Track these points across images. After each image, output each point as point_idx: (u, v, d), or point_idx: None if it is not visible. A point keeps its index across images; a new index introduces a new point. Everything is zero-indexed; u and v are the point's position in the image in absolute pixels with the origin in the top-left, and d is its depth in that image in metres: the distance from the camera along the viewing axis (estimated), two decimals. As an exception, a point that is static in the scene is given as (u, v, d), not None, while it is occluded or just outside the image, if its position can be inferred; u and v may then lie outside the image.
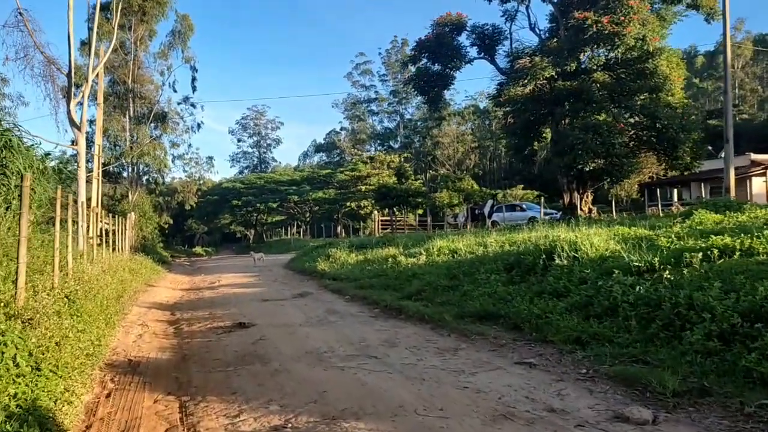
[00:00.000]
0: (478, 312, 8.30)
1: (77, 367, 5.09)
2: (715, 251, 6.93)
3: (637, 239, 9.17)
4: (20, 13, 16.52)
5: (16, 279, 5.72)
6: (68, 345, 5.31)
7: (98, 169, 21.41)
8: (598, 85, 21.27)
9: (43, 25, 33.65)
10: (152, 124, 40.05)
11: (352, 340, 7.56)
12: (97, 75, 21.05)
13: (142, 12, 36.57)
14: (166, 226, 48.98)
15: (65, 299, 6.90)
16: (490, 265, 10.52)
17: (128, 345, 7.63)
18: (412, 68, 27.24)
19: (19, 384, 4.16)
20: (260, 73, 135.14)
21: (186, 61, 41.85)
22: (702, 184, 28.87)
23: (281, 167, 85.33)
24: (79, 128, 17.27)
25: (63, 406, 4.36)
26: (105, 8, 28.89)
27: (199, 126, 47.97)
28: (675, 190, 32.04)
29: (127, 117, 37.93)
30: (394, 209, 44.58)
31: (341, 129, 79.58)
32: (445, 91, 28.31)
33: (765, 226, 8.24)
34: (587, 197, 22.91)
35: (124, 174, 39.60)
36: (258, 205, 59.25)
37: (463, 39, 25.15)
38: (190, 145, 51.73)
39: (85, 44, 29.07)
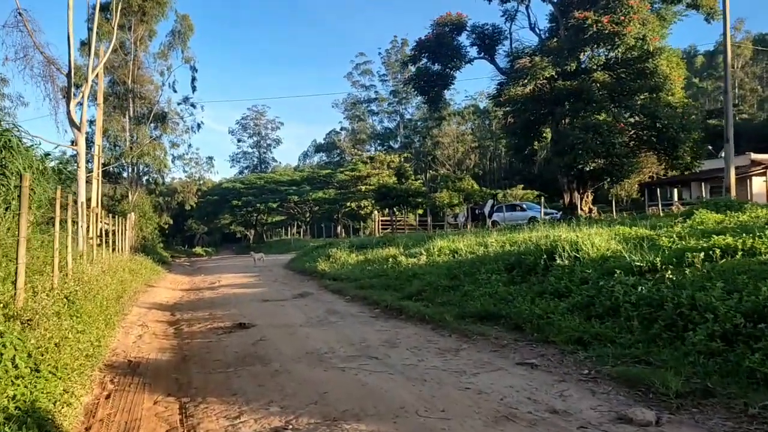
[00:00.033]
0: (479, 312, 8.26)
1: (77, 369, 5.06)
2: (717, 251, 6.90)
3: (638, 239, 9.14)
4: (20, 13, 16.49)
5: (15, 280, 5.70)
6: (68, 346, 5.28)
7: (98, 169, 21.38)
8: (599, 84, 21.26)
9: (42, 26, 33.66)
10: (152, 125, 40.04)
11: (353, 341, 7.53)
12: (97, 75, 21.02)
13: (142, 12, 36.55)
14: (166, 226, 48.93)
15: (65, 300, 6.87)
16: (490, 265, 10.48)
17: (128, 346, 7.60)
18: (412, 68, 27.25)
19: (18, 386, 4.13)
20: (260, 73, 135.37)
21: (186, 61, 41.91)
22: (702, 184, 28.85)
23: (281, 167, 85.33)
24: (78, 128, 17.24)
25: (62, 407, 4.33)
26: (105, 8, 28.88)
27: (199, 126, 48.04)
28: (675, 190, 32.02)
29: (127, 117, 37.91)
30: (394, 209, 44.57)
31: (341, 129, 79.70)
32: (445, 91, 28.30)
33: (767, 226, 8.21)
34: (587, 197, 22.90)
35: (124, 174, 39.59)
36: (258, 205, 59.23)
37: (463, 39, 25.23)
38: (190, 145, 51.77)
39: (84, 44, 29.04)
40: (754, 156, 27.72)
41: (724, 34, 19.66)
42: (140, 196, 37.07)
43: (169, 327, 9.48)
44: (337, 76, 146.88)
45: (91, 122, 28.21)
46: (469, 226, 30.53)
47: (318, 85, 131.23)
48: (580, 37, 20.33)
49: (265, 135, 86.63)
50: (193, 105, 45.97)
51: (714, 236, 7.69)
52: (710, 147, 29.25)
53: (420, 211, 48.12)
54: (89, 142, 22.74)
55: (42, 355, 4.71)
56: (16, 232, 6.00)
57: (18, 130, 10.13)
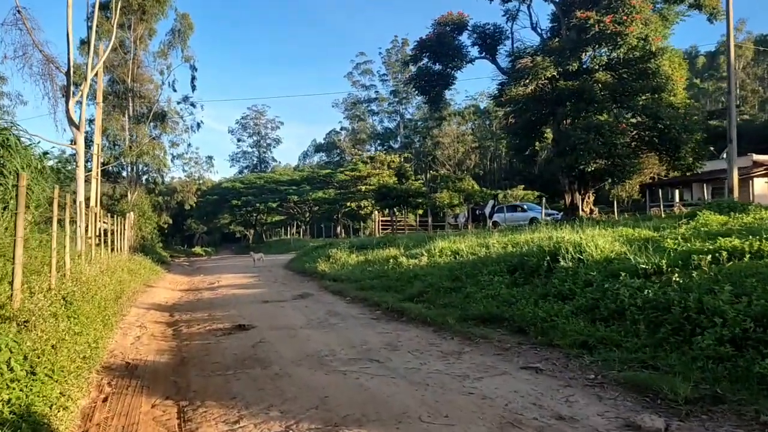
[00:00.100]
0: (481, 314, 8.16)
1: (73, 371, 4.97)
2: (724, 254, 6.80)
3: (642, 241, 9.05)
4: (19, 11, 16.42)
5: (12, 280, 5.62)
6: (65, 348, 5.20)
7: (97, 168, 21.29)
8: (600, 85, 21.16)
9: (41, 24, 33.47)
10: (152, 124, 39.93)
11: (354, 343, 7.43)
12: (97, 74, 20.92)
13: (142, 11, 36.45)
14: (166, 226, 48.86)
15: (62, 301, 6.78)
16: (492, 266, 10.38)
17: (126, 347, 7.51)
18: (413, 68, 27.16)
19: (14, 389, 4.06)
20: (260, 73, 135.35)
21: (186, 60, 41.78)
22: (704, 185, 28.78)
23: (281, 167, 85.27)
24: (78, 127, 17.15)
25: (58, 411, 4.24)
26: (104, 7, 28.77)
27: (198, 125, 47.93)
28: (676, 191, 31.94)
29: (127, 116, 37.81)
30: (395, 209, 44.51)
31: (341, 129, 79.65)
32: (446, 91, 28.20)
33: (773, 228, 8.12)
34: (589, 198, 22.80)
35: (124, 173, 39.52)
36: (258, 205, 59.16)
37: (465, 38, 25.14)
38: (189, 145, 51.76)
39: (84, 43, 28.88)
40: (756, 157, 27.64)
41: (728, 33, 19.55)
42: (139, 196, 36.99)
43: (168, 328, 9.39)
44: (337, 76, 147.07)
45: (91, 121, 28.13)
46: (469, 227, 30.45)
47: (318, 85, 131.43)
48: (582, 37, 20.24)
49: (265, 135, 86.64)
50: (192, 104, 45.95)
51: (720, 238, 7.58)
52: (711, 148, 29.16)
53: (420, 212, 48.08)
54: (88, 141, 22.59)
55: (38, 358, 4.62)
56: (14, 232, 5.92)
57: (16, 129, 10.06)
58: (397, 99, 70.00)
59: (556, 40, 22.45)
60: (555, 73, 20.92)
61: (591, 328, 6.46)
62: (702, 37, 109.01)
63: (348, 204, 54.53)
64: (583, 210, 21.93)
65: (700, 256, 6.89)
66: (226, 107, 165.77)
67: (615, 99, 21.52)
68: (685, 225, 10.83)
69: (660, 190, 31.57)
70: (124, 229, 20.22)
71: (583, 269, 8.26)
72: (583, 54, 21.37)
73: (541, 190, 40.39)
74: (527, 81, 20.83)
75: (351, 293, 12.79)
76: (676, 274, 6.63)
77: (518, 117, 24.24)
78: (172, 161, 47.00)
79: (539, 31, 24.79)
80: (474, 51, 25.20)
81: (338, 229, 55.85)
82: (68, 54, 16.76)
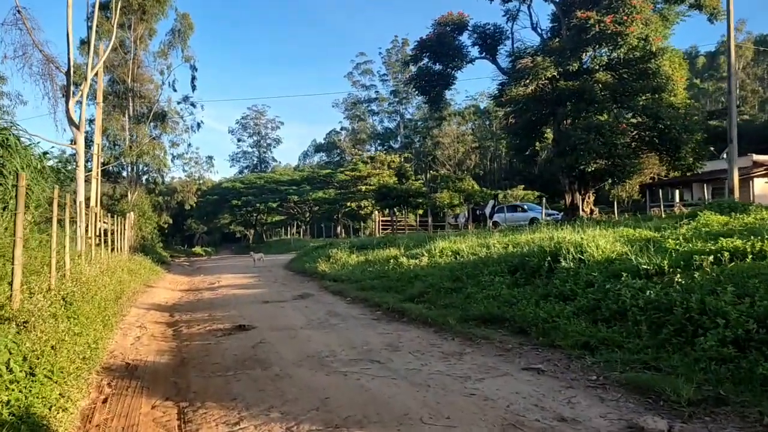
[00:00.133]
0: (482, 315, 8.14)
1: (73, 372, 4.95)
2: (726, 254, 6.78)
3: (643, 241, 9.03)
4: (18, 11, 16.38)
5: (12, 280, 5.59)
6: (64, 349, 5.17)
7: (97, 168, 21.25)
8: (601, 85, 21.12)
9: (41, 24, 33.48)
10: (152, 124, 39.89)
11: (355, 344, 7.41)
12: (97, 74, 20.88)
13: (142, 11, 36.42)
14: (166, 225, 48.85)
15: (62, 301, 6.76)
16: (493, 267, 10.36)
17: (126, 348, 7.48)
18: (413, 68, 27.12)
19: (13, 390, 4.04)
20: (260, 73, 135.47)
21: (186, 60, 41.75)
22: (704, 185, 28.75)
23: (281, 167, 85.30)
24: (78, 127, 17.12)
25: (58, 413, 4.22)
26: (104, 7, 28.74)
27: (198, 125, 47.89)
28: (677, 191, 31.92)
29: (127, 116, 37.78)
30: (395, 209, 44.49)
31: (341, 129, 79.67)
32: (446, 91, 28.17)
33: (774, 229, 8.09)
34: (589, 198, 22.77)
35: (124, 173, 39.48)
36: (258, 205, 59.16)
37: (465, 38, 25.10)
38: (189, 145, 51.65)
39: (84, 43, 28.85)
40: (756, 157, 27.62)
41: (728, 34, 19.53)
42: (140, 196, 36.97)
43: (168, 328, 9.37)
44: (338, 76, 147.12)
45: (91, 121, 28.12)
46: (469, 227, 30.43)
47: (318, 85, 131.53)
48: (583, 37, 20.20)
49: (265, 134, 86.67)
50: (193, 104, 45.92)
51: (721, 239, 7.56)
52: (712, 148, 29.13)
53: (420, 212, 48.04)
54: (88, 141, 22.57)
55: (38, 359, 4.60)
56: (14, 232, 5.90)
57: (16, 129, 10.03)
58: (397, 99, 70.00)
59: (557, 40, 22.42)
60: (555, 74, 20.89)
61: (593, 328, 6.43)
62: (702, 37, 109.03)
63: (348, 204, 54.52)
64: (583, 210, 21.91)
65: (702, 256, 6.88)
66: (226, 107, 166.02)
67: (615, 99, 21.48)
68: (686, 225, 10.81)
69: (660, 190, 31.54)
70: (124, 229, 20.19)
71: (584, 270, 8.24)
72: (584, 54, 21.33)
73: (541, 190, 40.38)
74: (527, 81, 20.79)
75: (351, 293, 12.77)
76: (678, 275, 6.60)
77: (518, 117, 24.20)
78: (172, 161, 47.01)
79: (539, 31, 24.80)
80: (474, 51, 25.21)
81: (338, 229, 55.84)
82: (68, 54, 16.74)
